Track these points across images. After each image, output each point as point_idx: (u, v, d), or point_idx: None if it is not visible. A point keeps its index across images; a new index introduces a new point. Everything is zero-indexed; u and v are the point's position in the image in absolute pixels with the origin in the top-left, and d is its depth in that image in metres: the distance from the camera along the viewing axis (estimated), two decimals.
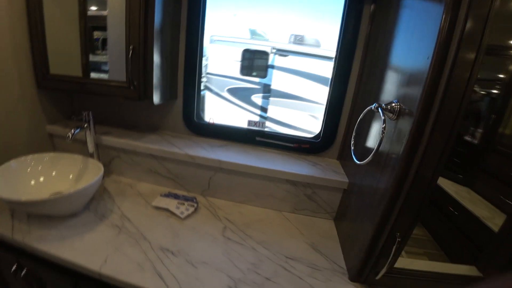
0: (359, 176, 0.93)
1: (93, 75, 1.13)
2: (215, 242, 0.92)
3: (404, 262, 0.78)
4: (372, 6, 1.00)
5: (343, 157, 1.16)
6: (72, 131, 1.06)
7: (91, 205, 1.04)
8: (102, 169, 1.04)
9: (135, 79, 1.03)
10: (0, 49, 1.03)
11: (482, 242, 1.07)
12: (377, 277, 0.74)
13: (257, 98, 3.82)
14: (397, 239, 0.67)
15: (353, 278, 0.82)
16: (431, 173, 0.61)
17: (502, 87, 1.24)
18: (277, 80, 3.70)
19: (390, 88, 0.76)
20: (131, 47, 1.00)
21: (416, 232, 0.95)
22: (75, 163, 1.13)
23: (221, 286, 0.76)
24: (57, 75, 1.14)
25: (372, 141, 0.83)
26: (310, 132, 1.37)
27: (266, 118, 3.83)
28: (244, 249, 0.90)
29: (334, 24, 1.10)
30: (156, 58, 1.03)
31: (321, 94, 3.46)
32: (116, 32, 1.04)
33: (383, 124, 0.68)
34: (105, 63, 1.12)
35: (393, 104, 0.68)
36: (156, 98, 1.06)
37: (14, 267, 0.98)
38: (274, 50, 3.59)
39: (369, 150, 0.77)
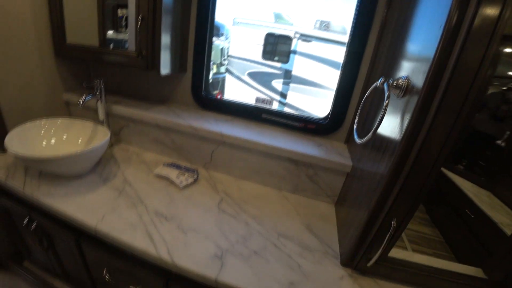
0: (362, 160, 0.89)
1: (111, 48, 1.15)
2: (209, 212, 0.93)
3: (404, 254, 0.74)
4: None
5: (351, 141, 1.12)
6: (83, 97, 1.10)
7: (97, 169, 1.09)
8: (109, 134, 1.08)
9: (144, 49, 1.04)
10: (21, 19, 1.08)
11: (495, 247, 1.01)
12: (369, 264, 0.72)
13: (278, 84, 3.76)
14: (392, 225, 0.63)
15: (344, 263, 0.80)
16: (432, 161, 0.56)
17: None
18: (298, 66, 3.61)
19: (400, 64, 0.71)
20: (140, 16, 1.01)
21: (427, 232, 0.89)
22: (85, 129, 1.18)
23: (208, 253, 0.77)
24: (73, 44, 1.18)
25: (375, 120, 0.79)
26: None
27: (285, 104, 3.77)
28: (236, 222, 0.91)
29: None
30: (165, 29, 1.03)
31: None
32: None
33: (386, 101, 0.64)
34: (125, 40, 1.14)
35: (401, 80, 0.63)
36: (163, 69, 1.07)
37: (26, 220, 1.06)
38: (297, 35, 3.49)
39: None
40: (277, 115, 1.18)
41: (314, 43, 3.56)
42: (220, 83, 3.67)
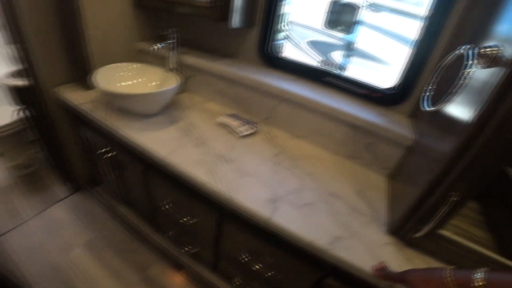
0: (426, 135, 0.83)
1: None
2: (266, 161, 0.98)
3: (456, 236, 0.70)
4: None
5: (416, 116, 1.05)
6: (158, 45, 1.19)
7: (166, 112, 1.19)
8: (179, 79, 1.17)
9: (218, 0, 1.06)
10: None
11: None
12: (417, 234, 0.70)
13: (338, 56, 3.56)
14: (451, 199, 0.59)
15: (391, 231, 0.78)
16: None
17: None
18: (363, 38, 3.34)
19: (491, 32, 0.62)
20: None
21: (479, 235, 0.82)
22: (158, 74, 1.28)
23: (262, 197, 0.82)
24: None
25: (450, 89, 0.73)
26: None
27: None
28: (291, 174, 0.94)
29: None
30: None
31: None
32: None
33: (468, 69, 0.58)
34: None
35: (489, 49, 0.55)
36: (234, 22, 1.09)
37: (103, 150, 1.22)
38: (366, 4, 3.19)
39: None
40: (341, 79, 1.14)
41: (383, 13, 3.25)
42: (278, 49, 3.60)
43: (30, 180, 1.90)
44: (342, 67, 3.54)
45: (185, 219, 1.06)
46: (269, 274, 0.93)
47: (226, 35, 1.31)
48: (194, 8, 1.15)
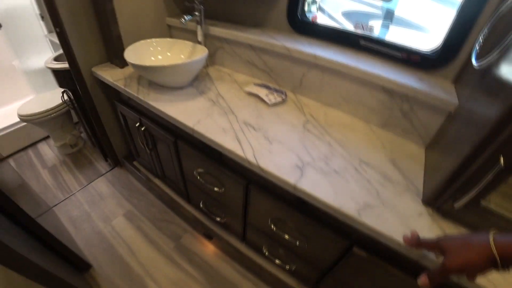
0: (472, 100, 0.73)
1: None
2: (294, 129, 0.95)
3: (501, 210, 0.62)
4: None
5: (462, 80, 0.94)
6: (185, 17, 1.19)
7: (195, 84, 1.20)
8: (207, 51, 1.17)
9: None
10: None
11: None
12: (457, 204, 0.63)
13: (375, 26, 3.29)
14: (499, 164, 0.52)
15: (426, 201, 0.72)
16: None
17: None
18: (404, 5, 3.04)
19: None
20: None
21: None
22: (186, 47, 1.29)
23: (290, 162, 0.80)
24: None
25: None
26: None
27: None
28: (320, 141, 0.90)
29: None
30: None
31: None
32: None
33: None
34: None
35: None
36: None
37: (137, 124, 1.27)
38: None
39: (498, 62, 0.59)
40: (377, 42, 1.05)
41: None
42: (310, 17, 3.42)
43: (76, 158, 2.07)
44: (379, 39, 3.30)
45: (215, 188, 1.08)
46: (297, 243, 0.93)
47: (254, 4, 1.27)
48: None
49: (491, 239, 0.43)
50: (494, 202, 0.63)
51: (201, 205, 1.29)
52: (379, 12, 3.35)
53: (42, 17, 2.10)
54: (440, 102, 0.87)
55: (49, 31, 2.18)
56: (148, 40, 1.28)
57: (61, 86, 1.64)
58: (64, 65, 1.48)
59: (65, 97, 1.76)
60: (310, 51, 1.03)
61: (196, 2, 1.20)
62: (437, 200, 0.70)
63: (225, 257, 1.41)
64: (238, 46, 1.25)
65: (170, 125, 1.10)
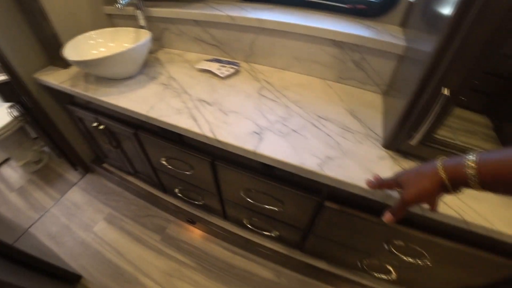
0: (416, 40, 0.75)
1: None
2: (249, 98, 0.94)
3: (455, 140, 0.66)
4: None
5: (407, 23, 0.94)
6: (121, 1, 1.11)
7: (145, 70, 1.15)
8: (150, 34, 1.11)
9: None
10: None
11: None
12: (412, 141, 0.65)
13: None
14: (443, 95, 0.54)
15: (386, 144, 0.75)
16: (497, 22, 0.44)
17: None
18: None
19: None
20: None
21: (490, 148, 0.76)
22: (129, 34, 1.22)
23: (247, 130, 0.79)
24: None
25: None
26: None
27: None
28: (276, 105, 0.90)
29: None
30: None
31: None
32: None
33: None
34: None
35: None
36: None
37: (95, 124, 1.21)
38: None
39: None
40: None
41: None
42: None
43: (43, 174, 1.97)
44: None
45: (185, 172, 1.07)
46: (274, 209, 0.94)
47: None
48: None
49: (439, 165, 0.45)
50: (442, 136, 0.66)
51: (177, 192, 1.28)
52: None
53: None
54: (389, 46, 0.87)
55: None
56: (87, 34, 1.20)
57: (7, 100, 1.52)
58: (2, 77, 1.37)
59: (14, 111, 1.64)
60: (254, 16, 1.01)
61: None
62: (395, 142, 0.72)
63: (212, 238, 1.42)
64: (183, 24, 1.20)
65: (128, 118, 1.06)
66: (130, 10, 1.23)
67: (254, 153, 0.74)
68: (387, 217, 0.53)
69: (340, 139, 0.78)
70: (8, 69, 1.20)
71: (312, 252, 1.14)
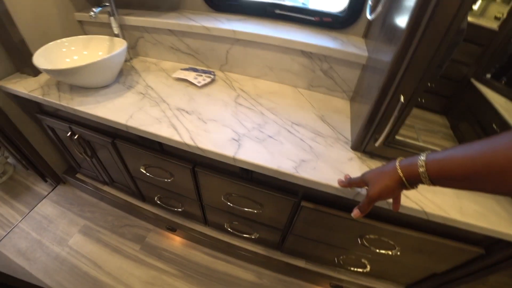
0: (377, 50, 0.83)
1: None
2: (226, 106, 0.98)
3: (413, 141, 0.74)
4: None
5: (369, 35, 1.04)
6: (94, 9, 1.11)
7: (121, 79, 1.15)
8: (126, 43, 1.11)
9: None
10: None
11: None
12: (377, 144, 0.73)
13: None
14: (400, 101, 0.61)
15: (354, 147, 0.82)
16: (440, 35, 0.51)
17: None
18: None
19: None
20: None
21: (448, 146, 0.85)
22: (103, 43, 1.21)
23: (226, 137, 0.83)
24: None
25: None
26: None
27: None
28: (252, 112, 0.95)
29: None
30: None
31: None
32: None
33: None
34: None
35: None
36: None
37: (69, 133, 1.19)
38: None
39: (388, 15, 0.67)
40: (291, 9, 1.10)
41: None
42: None
43: (8, 187, 1.86)
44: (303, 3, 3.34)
45: (165, 180, 1.08)
46: (252, 211, 0.98)
47: None
48: None
49: (397, 164, 0.51)
50: (405, 136, 0.75)
51: (156, 200, 1.28)
52: None
53: None
54: (353, 56, 0.95)
55: None
56: (58, 41, 1.17)
57: None
58: None
59: None
60: (229, 27, 1.05)
61: None
62: (362, 144, 0.79)
63: (193, 245, 1.43)
64: (158, 33, 1.21)
65: (104, 127, 1.05)
66: (103, 17, 1.22)
67: (234, 159, 0.77)
68: (355, 212, 0.59)
69: (313, 143, 0.84)
70: None
71: (291, 251, 1.19)
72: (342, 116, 0.98)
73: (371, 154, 0.81)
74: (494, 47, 0.73)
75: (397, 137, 0.74)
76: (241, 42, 1.08)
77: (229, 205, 1.00)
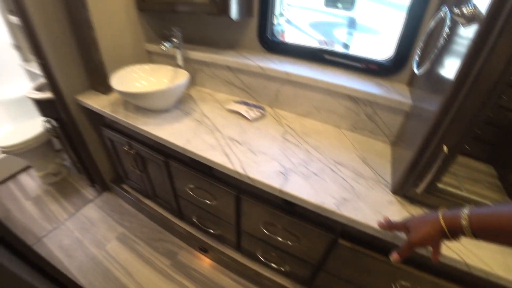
0: (421, 98, 0.87)
1: None
2: (274, 140, 1.05)
3: (456, 190, 0.75)
4: None
5: (414, 83, 1.08)
6: (165, 44, 1.28)
7: (179, 106, 1.29)
8: (188, 75, 1.26)
9: None
10: None
11: None
12: (418, 190, 0.75)
13: (341, 33, 3.44)
14: (443, 151, 0.64)
15: (395, 191, 0.84)
16: (488, 90, 0.54)
17: None
18: (364, 12, 3.19)
19: None
20: None
21: (494, 197, 0.84)
22: (168, 72, 1.37)
23: (274, 170, 0.89)
24: None
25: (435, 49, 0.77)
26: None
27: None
28: (298, 149, 1.01)
29: None
30: None
31: None
32: None
33: (446, 30, 0.62)
34: None
35: (466, 8, 0.58)
36: (234, 14, 1.15)
37: (126, 147, 1.33)
38: None
39: (435, 67, 0.73)
40: (339, 56, 1.19)
41: None
42: (279, 34, 3.52)
43: (60, 187, 2.06)
44: (345, 45, 3.45)
45: (207, 201, 1.16)
46: (287, 243, 1.01)
47: (227, 27, 1.39)
48: (193, 5, 1.22)
49: (440, 215, 0.54)
50: (448, 184, 0.76)
51: (194, 220, 1.35)
52: (343, 21, 3.52)
53: (17, 47, 2.11)
54: (397, 103, 1.00)
55: (24, 60, 2.19)
56: (132, 67, 1.35)
57: (44, 115, 1.66)
58: (47, 95, 1.51)
59: (48, 125, 1.77)
60: (282, 68, 1.15)
61: (174, 29, 1.29)
62: (403, 189, 0.82)
63: (222, 268, 1.46)
64: (216, 67, 1.36)
65: (160, 146, 1.16)
66: (169, 49, 1.39)
67: (280, 191, 0.83)
68: (394, 256, 0.61)
69: (354, 183, 0.88)
70: (54, 89, 1.35)
71: None
72: (383, 159, 1.01)
73: (411, 199, 0.82)
74: None
75: (439, 185, 0.75)
76: (291, 83, 1.18)
77: (266, 233, 1.04)
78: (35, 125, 1.88)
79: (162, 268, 1.46)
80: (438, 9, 0.92)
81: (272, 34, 1.31)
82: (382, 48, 1.15)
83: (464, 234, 0.49)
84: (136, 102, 1.22)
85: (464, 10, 0.59)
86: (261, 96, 1.31)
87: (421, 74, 0.82)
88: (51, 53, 1.26)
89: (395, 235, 0.72)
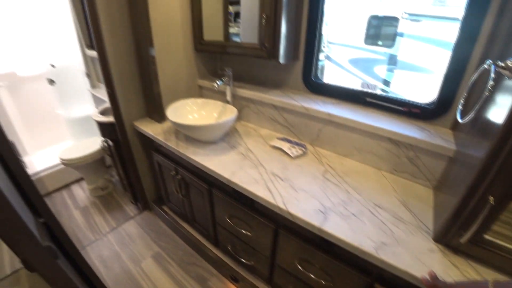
0: (466, 144, 0.86)
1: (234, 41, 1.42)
2: (315, 179, 1.10)
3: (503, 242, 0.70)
4: None
5: (458, 127, 1.07)
6: (218, 82, 1.42)
7: (226, 139, 1.40)
8: (236, 111, 1.37)
9: (266, 42, 1.24)
10: (173, 24, 1.46)
11: None
12: (462, 240, 0.72)
13: (381, 70, 3.43)
14: (489, 202, 0.62)
15: (436, 238, 0.82)
16: None
17: None
18: (405, 50, 3.18)
19: None
20: (264, 15, 1.20)
21: None
22: (218, 107, 1.51)
23: (314, 208, 0.93)
24: (207, 40, 1.52)
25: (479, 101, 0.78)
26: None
27: (388, 93, 3.50)
28: (338, 189, 1.04)
29: None
30: (283, 24, 1.20)
31: None
32: (247, 4, 1.29)
33: (490, 82, 0.64)
34: (235, 34, 1.41)
35: (510, 62, 0.61)
36: (282, 58, 1.27)
37: (173, 172, 1.45)
38: (405, 15, 3.10)
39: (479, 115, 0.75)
40: (381, 99, 1.23)
41: (424, 22, 3.09)
42: (320, 71, 3.57)
43: (105, 200, 2.24)
44: (386, 82, 3.41)
45: (243, 231, 1.21)
46: (320, 281, 1.02)
47: (274, 69, 1.51)
48: (244, 49, 1.37)
49: (490, 286, 0.53)
50: (498, 234, 0.70)
51: (229, 248, 1.40)
52: (383, 57, 3.50)
53: (88, 75, 2.44)
54: (440, 148, 1.00)
55: (92, 87, 2.51)
56: (186, 100, 1.51)
57: (103, 135, 1.87)
58: (110, 118, 1.72)
59: (105, 144, 1.98)
60: (325, 109, 1.22)
61: (226, 69, 1.44)
62: (445, 237, 0.79)
63: None
64: (262, 105, 1.47)
65: (205, 175, 1.26)
66: (220, 87, 1.54)
67: (319, 229, 0.87)
68: None
69: (394, 227, 0.88)
70: (116, 114, 1.53)
71: None
72: (424, 204, 1.00)
73: (455, 249, 0.80)
74: None
75: (487, 237, 0.71)
76: (333, 124, 1.24)
77: (300, 270, 1.06)
78: (93, 142, 2.11)
79: None
80: (482, 62, 0.94)
81: (316, 76, 1.40)
82: (424, 85, 1.15)
83: None
84: (187, 133, 1.34)
85: (509, 63, 0.62)
86: (303, 134, 1.38)
87: (465, 122, 0.82)
88: (118, 84, 1.46)
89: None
